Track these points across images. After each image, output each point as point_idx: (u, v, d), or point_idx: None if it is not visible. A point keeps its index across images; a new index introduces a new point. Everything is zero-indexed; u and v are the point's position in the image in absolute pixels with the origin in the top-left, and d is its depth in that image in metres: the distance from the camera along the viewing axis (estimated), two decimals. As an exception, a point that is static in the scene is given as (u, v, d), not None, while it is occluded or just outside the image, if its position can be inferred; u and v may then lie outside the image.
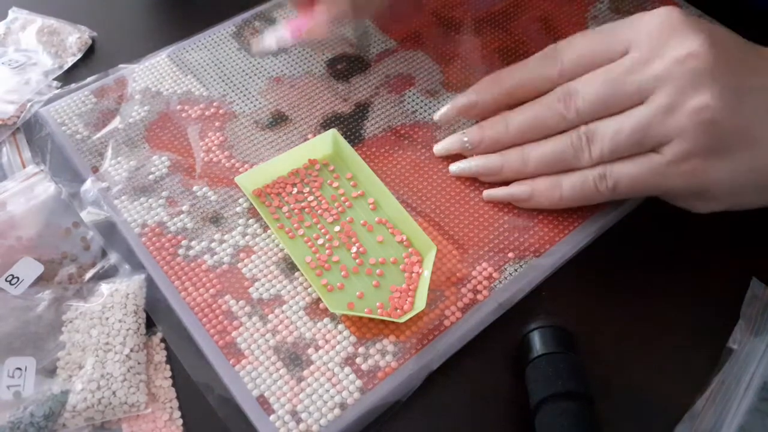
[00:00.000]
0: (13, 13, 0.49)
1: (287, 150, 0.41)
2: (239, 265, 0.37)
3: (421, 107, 0.44)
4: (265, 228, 0.38)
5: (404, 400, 0.33)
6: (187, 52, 0.47)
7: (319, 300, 0.36)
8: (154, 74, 0.45)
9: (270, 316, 0.35)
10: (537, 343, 0.33)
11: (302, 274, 0.36)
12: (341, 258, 0.37)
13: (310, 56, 0.47)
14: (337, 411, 0.32)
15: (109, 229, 0.38)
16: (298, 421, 0.32)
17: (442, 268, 0.37)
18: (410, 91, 0.45)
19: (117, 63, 0.46)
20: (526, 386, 0.33)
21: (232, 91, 0.45)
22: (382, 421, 0.33)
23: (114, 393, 0.32)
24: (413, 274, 0.36)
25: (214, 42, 0.47)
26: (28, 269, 0.36)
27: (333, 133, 0.41)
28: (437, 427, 0.33)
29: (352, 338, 0.34)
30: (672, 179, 0.35)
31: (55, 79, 0.46)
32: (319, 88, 0.45)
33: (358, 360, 0.34)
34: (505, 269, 0.37)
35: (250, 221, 0.39)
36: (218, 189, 0.40)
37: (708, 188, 0.35)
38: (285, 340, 0.34)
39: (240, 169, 0.41)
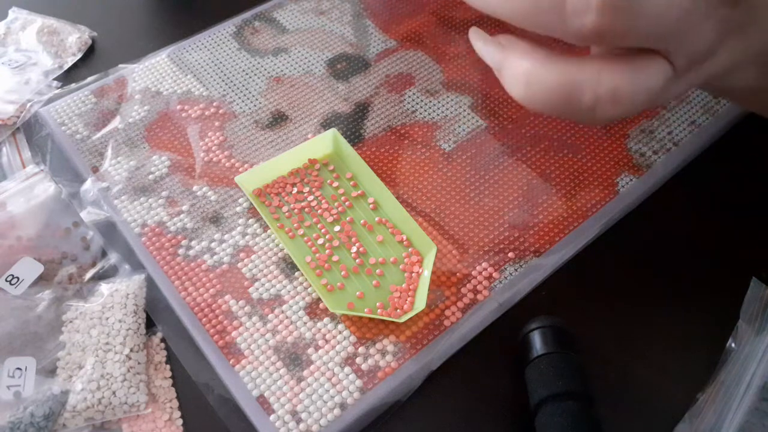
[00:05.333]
0: (13, 13, 0.49)
1: (287, 150, 0.41)
2: (239, 265, 0.37)
3: (421, 107, 0.44)
4: (265, 228, 0.38)
5: (404, 400, 0.33)
6: (187, 52, 0.47)
7: (319, 300, 0.36)
8: (154, 74, 0.45)
9: (270, 316, 0.35)
10: (537, 343, 0.33)
11: (302, 274, 0.36)
12: (341, 258, 0.37)
13: (310, 56, 0.47)
14: (337, 411, 0.32)
15: (109, 229, 0.38)
16: (298, 421, 0.32)
17: (442, 268, 0.37)
18: (410, 90, 0.45)
19: (117, 63, 0.46)
20: (526, 386, 0.33)
21: (232, 91, 0.45)
22: (382, 421, 0.33)
23: (114, 393, 0.32)
24: (413, 274, 0.36)
25: (214, 42, 0.47)
26: (28, 269, 0.36)
27: (333, 132, 0.41)
28: (437, 427, 0.33)
29: (352, 338, 0.34)
30: None
31: (55, 79, 0.46)
32: (319, 88, 0.45)
33: (358, 360, 0.34)
34: (505, 269, 0.37)
35: (250, 221, 0.39)
36: (218, 189, 0.40)
37: None
38: (285, 340, 0.34)
39: (240, 169, 0.41)
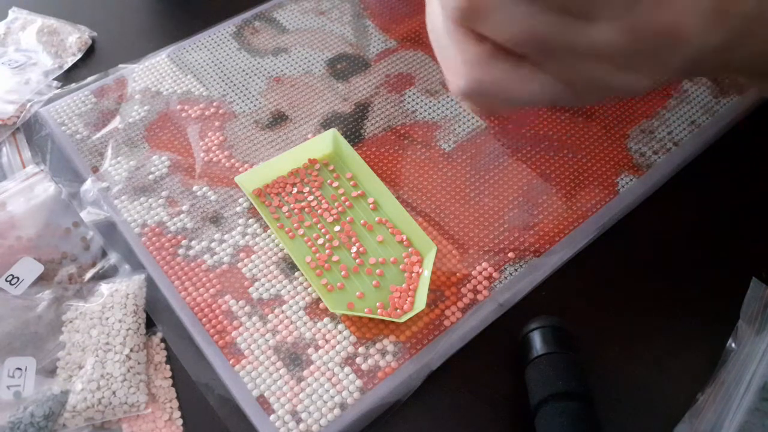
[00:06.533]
0: (13, 13, 0.49)
1: (287, 150, 0.41)
2: (239, 265, 0.37)
3: (421, 107, 0.44)
4: (265, 228, 0.38)
5: (404, 400, 0.33)
6: (187, 52, 0.47)
7: (319, 300, 0.36)
8: (154, 74, 0.45)
9: (270, 316, 0.35)
10: (537, 343, 0.33)
11: (302, 274, 0.36)
12: (341, 258, 0.37)
13: (310, 56, 0.47)
14: (337, 411, 0.32)
15: (109, 229, 0.38)
16: (298, 421, 0.32)
17: (442, 268, 0.37)
18: (410, 90, 0.45)
19: (117, 63, 0.46)
20: (526, 386, 0.33)
21: (232, 91, 0.45)
22: (382, 421, 0.33)
23: (114, 393, 0.32)
24: (413, 274, 0.36)
25: (214, 42, 0.47)
26: (28, 269, 0.36)
27: (333, 132, 0.41)
28: (437, 427, 0.33)
29: (352, 338, 0.34)
30: None
31: (55, 79, 0.46)
32: (319, 88, 0.45)
33: (358, 360, 0.34)
34: (505, 269, 0.37)
35: (250, 221, 0.39)
36: (218, 189, 0.40)
37: None
38: (285, 340, 0.34)
39: (240, 169, 0.41)
